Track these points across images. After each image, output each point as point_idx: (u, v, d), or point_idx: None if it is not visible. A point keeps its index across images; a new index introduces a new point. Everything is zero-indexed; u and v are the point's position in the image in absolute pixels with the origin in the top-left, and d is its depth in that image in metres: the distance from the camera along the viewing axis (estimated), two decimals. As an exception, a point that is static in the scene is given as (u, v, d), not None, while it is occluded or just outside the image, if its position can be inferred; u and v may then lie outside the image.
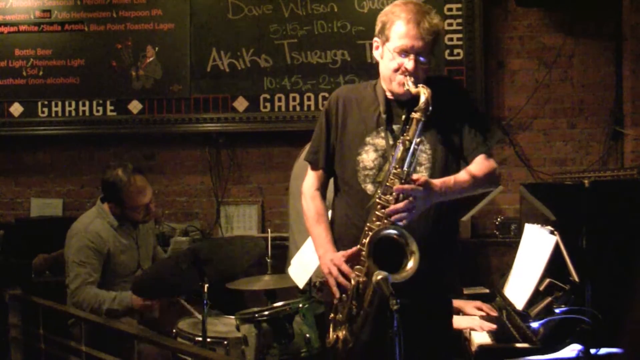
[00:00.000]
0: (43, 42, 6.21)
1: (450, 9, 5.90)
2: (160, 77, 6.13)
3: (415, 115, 2.79)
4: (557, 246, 3.28)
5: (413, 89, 2.84)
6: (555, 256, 3.27)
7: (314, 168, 3.21)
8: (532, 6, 5.92)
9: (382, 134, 3.00)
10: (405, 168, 2.76)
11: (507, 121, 6.01)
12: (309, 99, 6.01)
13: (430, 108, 2.78)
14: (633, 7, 5.68)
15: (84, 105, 6.19)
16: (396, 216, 2.73)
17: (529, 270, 3.45)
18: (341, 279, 2.88)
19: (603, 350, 3.07)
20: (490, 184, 3.10)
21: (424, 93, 2.80)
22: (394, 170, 2.78)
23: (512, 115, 6.01)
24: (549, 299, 3.21)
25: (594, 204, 3.33)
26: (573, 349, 3.07)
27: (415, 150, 2.78)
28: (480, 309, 3.86)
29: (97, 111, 6.18)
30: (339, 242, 3.07)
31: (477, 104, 3.16)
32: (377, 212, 2.81)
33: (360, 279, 2.83)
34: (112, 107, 6.17)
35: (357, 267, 2.87)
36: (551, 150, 6.02)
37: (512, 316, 3.49)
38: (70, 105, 6.20)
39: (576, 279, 3.18)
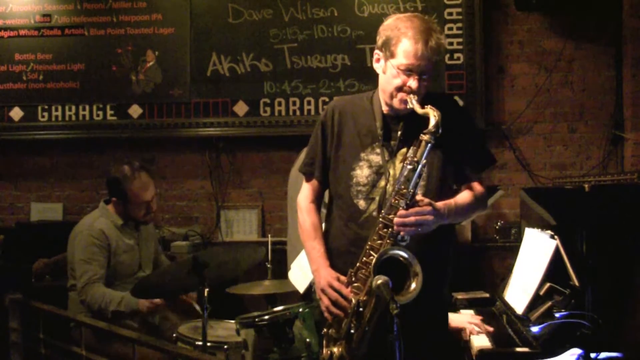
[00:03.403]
0: (43, 47, 6.22)
1: (450, 13, 5.91)
2: (161, 81, 6.13)
3: (425, 137, 2.77)
4: (557, 250, 3.27)
5: (420, 110, 2.82)
6: (556, 260, 3.27)
7: (309, 179, 3.20)
8: (532, 11, 5.92)
9: (377, 150, 2.99)
10: (410, 188, 2.76)
11: (507, 125, 6.01)
12: (309, 103, 6.02)
13: (440, 130, 2.77)
14: (633, 11, 5.69)
15: (84, 109, 6.19)
16: (400, 227, 2.73)
17: (530, 275, 3.45)
18: (341, 300, 2.88)
19: (603, 355, 3.06)
20: (482, 209, 3.13)
21: (434, 116, 2.77)
22: (400, 191, 2.77)
23: (512, 119, 6.01)
24: (549, 303, 3.21)
25: (594, 208, 3.33)
26: (573, 353, 3.06)
27: (421, 171, 2.78)
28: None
29: (97, 115, 6.18)
30: (330, 254, 3.06)
31: (475, 124, 3.15)
32: (379, 232, 2.81)
33: (361, 298, 2.82)
34: (112, 112, 6.18)
35: (356, 284, 2.87)
36: (551, 155, 6.03)
37: (512, 320, 3.49)
38: (70, 110, 6.20)
39: (576, 283, 3.18)
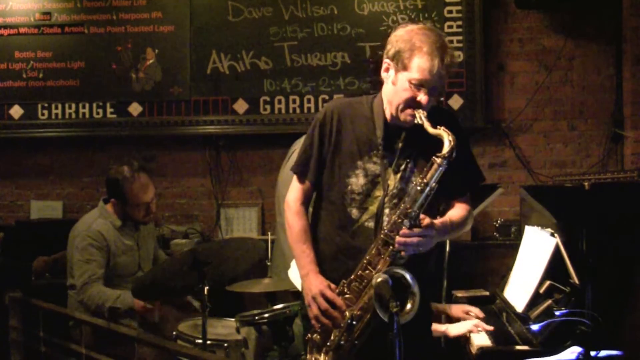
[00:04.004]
0: (43, 45, 6.21)
1: (450, 11, 5.91)
2: (160, 79, 6.13)
3: (437, 160, 2.75)
4: (557, 248, 3.28)
5: (431, 130, 2.78)
6: (556, 258, 3.27)
7: (301, 180, 3.12)
8: (532, 8, 5.92)
9: (375, 159, 2.95)
10: (416, 209, 2.75)
11: (507, 123, 6.01)
12: (309, 101, 6.01)
13: (454, 155, 2.75)
14: (633, 9, 5.68)
15: (84, 107, 6.19)
16: (401, 246, 2.73)
17: (529, 273, 3.45)
18: (332, 311, 2.85)
19: (603, 353, 3.06)
20: (468, 227, 3.12)
21: (449, 140, 2.75)
22: (405, 210, 2.76)
23: (512, 117, 6.01)
24: (549, 302, 3.21)
25: (594, 206, 3.33)
26: (573, 352, 3.07)
27: (429, 194, 2.76)
28: (467, 313, 3.83)
29: (97, 113, 6.18)
30: (318, 258, 3.02)
31: (468, 142, 3.14)
32: (379, 247, 2.79)
33: (355, 312, 2.81)
34: (112, 110, 6.18)
35: (348, 296, 2.86)
36: (551, 153, 6.03)
37: (512, 319, 3.49)
38: (70, 108, 6.20)
39: (576, 281, 3.18)
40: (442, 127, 2.78)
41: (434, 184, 2.76)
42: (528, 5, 5.85)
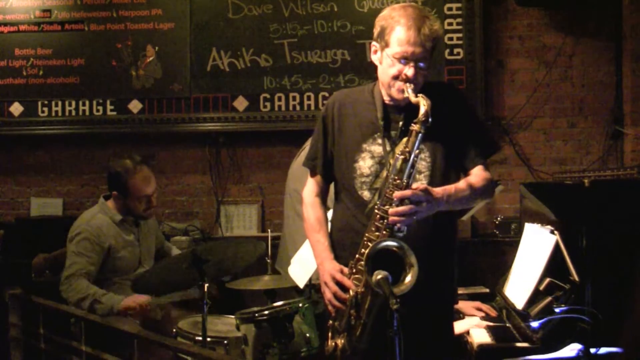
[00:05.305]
0: (43, 42, 6.21)
1: (450, 8, 5.91)
2: (160, 76, 6.13)
3: (415, 127, 2.77)
4: (557, 246, 3.27)
5: (413, 99, 2.82)
6: (555, 256, 3.27)
7: (313, 174, 3.21)
8: (532, 6, 5.92)
9: (379, 141, 2.99)
10: (404, 179, 2.76)
11: (507, 120, 6.02)
12: (309, 98, 6.01)
13: (430, 119, 2.76)
14: (633, 6, 5.69)
15: (84, 104, 6.19)
16: (394, 218, 2.73)
17: (529, 270, 3.45)
18: (340, 293, 2.89)
19: (603, 350, 3.06)
20: (487, 196, 3.14)
21: (423, 104, 2.77)
22: (394, 182, 2.77)
23: (512, 114, 6.01)
24: (549, 299, 3.21)
25: (594, 203, 3.33)
26: (573, 349, 3.07)
27: (414, 161, 2.78)
28: (479, 309, 3.86)
29: (97, 111, 6.18)
30: (337, 247, 3.07)
31: (477, 112, 3.14)
32: (376, 223, 2.80)
33: (359, 290, 2.82)
34: (112, 107, 6.18)
35: (356, 276, 2.87)
36: (551, 150, 6.03)
37: (512, 316, 3.49)
38: (70, 105, 6.20)
39: (576, 278, 3.18)
40: (421, 95, 2.81)
41: (417, 151, 2.78)
42: (528, 3, 5.85)
